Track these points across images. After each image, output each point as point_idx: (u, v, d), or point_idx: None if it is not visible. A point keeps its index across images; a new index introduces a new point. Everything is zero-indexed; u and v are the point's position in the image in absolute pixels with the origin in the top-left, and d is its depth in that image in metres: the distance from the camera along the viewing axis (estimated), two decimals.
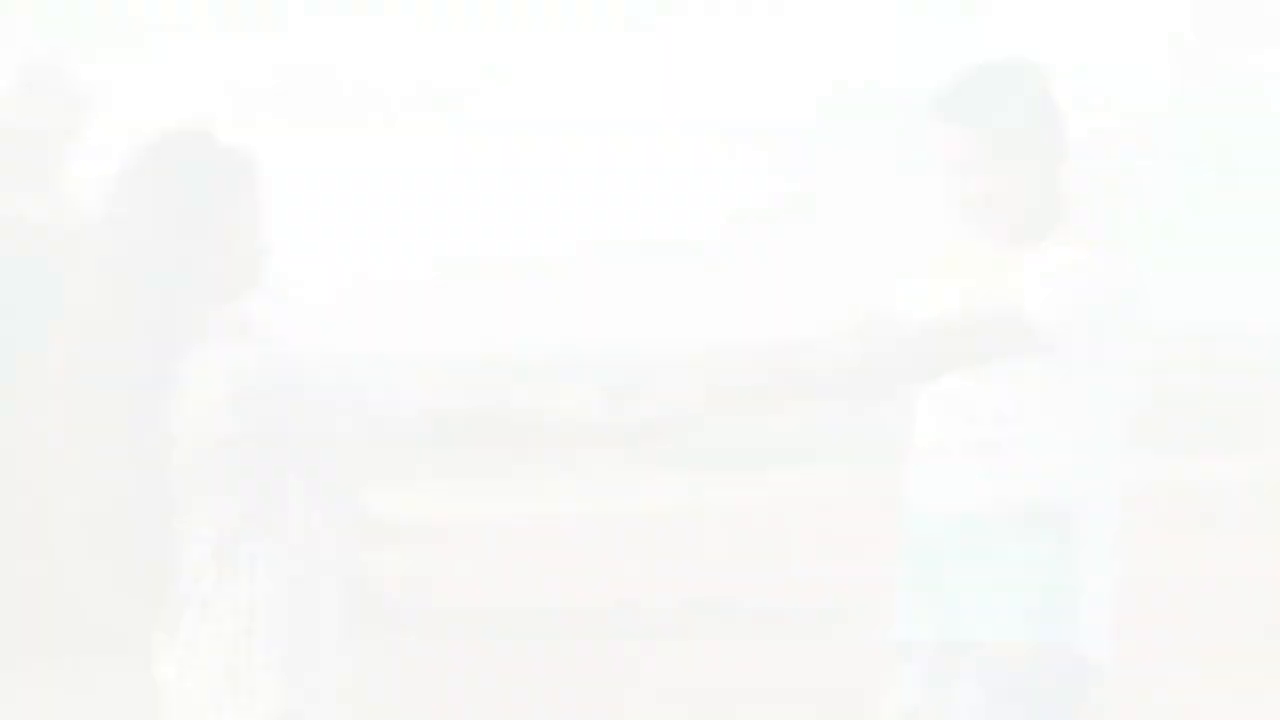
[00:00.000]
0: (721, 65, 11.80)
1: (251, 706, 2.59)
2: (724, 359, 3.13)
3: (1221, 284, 11.26)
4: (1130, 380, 3.09)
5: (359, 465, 2.86)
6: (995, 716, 3.00)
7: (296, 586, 2.62)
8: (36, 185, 12.79)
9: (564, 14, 11.80)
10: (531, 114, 11.58)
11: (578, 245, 11.07)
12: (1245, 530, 8.66)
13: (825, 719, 8.44)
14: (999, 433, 3.01)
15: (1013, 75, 3.10)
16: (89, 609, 2.76)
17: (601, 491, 9.30)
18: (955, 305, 3.11)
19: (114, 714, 9.40)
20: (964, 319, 3.00)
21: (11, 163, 12.56)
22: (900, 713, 3.13)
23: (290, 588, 2.62)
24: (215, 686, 2.58)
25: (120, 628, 2.75)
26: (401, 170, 11.66)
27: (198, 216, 2.60)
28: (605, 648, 7.54)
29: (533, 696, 7.29)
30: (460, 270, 10.77)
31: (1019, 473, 3.00)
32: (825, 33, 11.87)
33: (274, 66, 12.17)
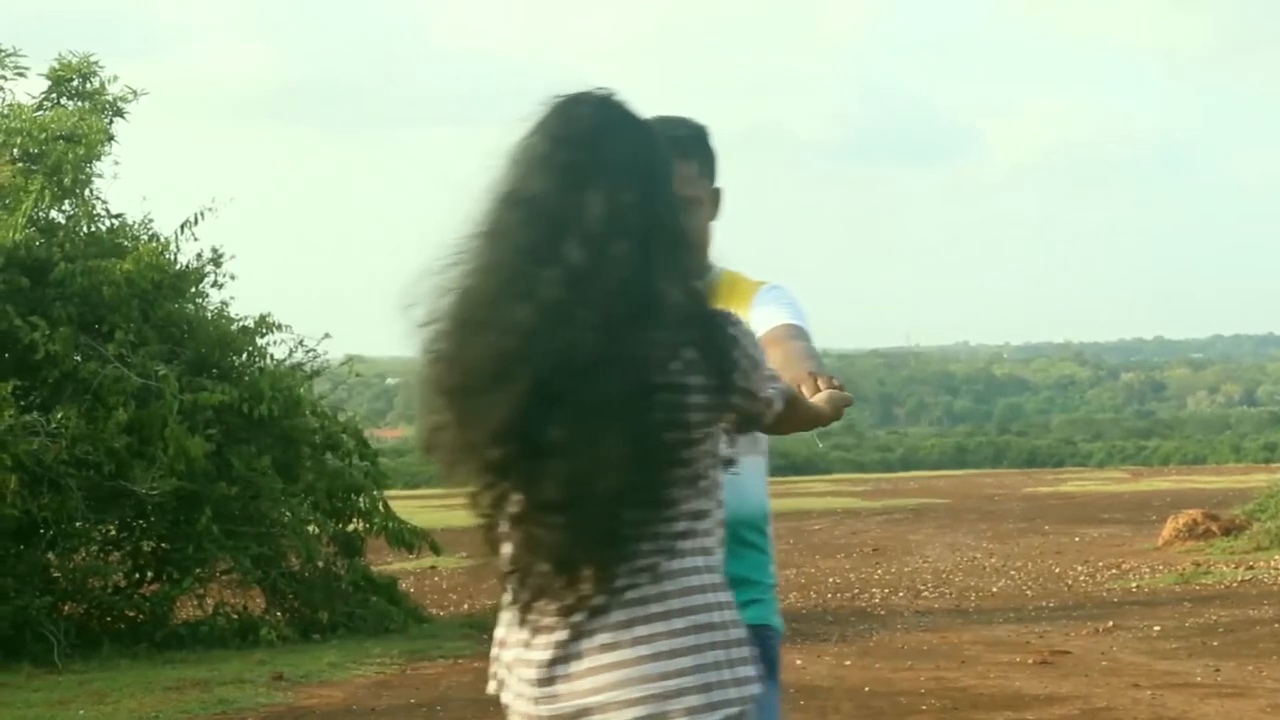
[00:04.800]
0: None
1: (721, 691, 2.39)
2: None
3: None
4: None
5: None
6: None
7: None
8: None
9: None
10: None
11: None
12: None
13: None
14: (748, 456, 3.22)
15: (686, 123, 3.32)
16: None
17: None
18: None
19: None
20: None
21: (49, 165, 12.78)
22: None
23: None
24: (674, 662, 2.38)
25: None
26: None
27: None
28: None
29: None
30: None
31: (753, 489, 3.29)
32: None
33: None
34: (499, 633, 2.52)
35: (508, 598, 2.47)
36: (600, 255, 2.34)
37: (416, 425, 2.51)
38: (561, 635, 2.40)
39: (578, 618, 2.38)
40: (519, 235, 2.37)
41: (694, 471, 2.41)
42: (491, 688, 2.55)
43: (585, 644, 2.38)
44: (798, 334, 3.23)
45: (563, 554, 2.36)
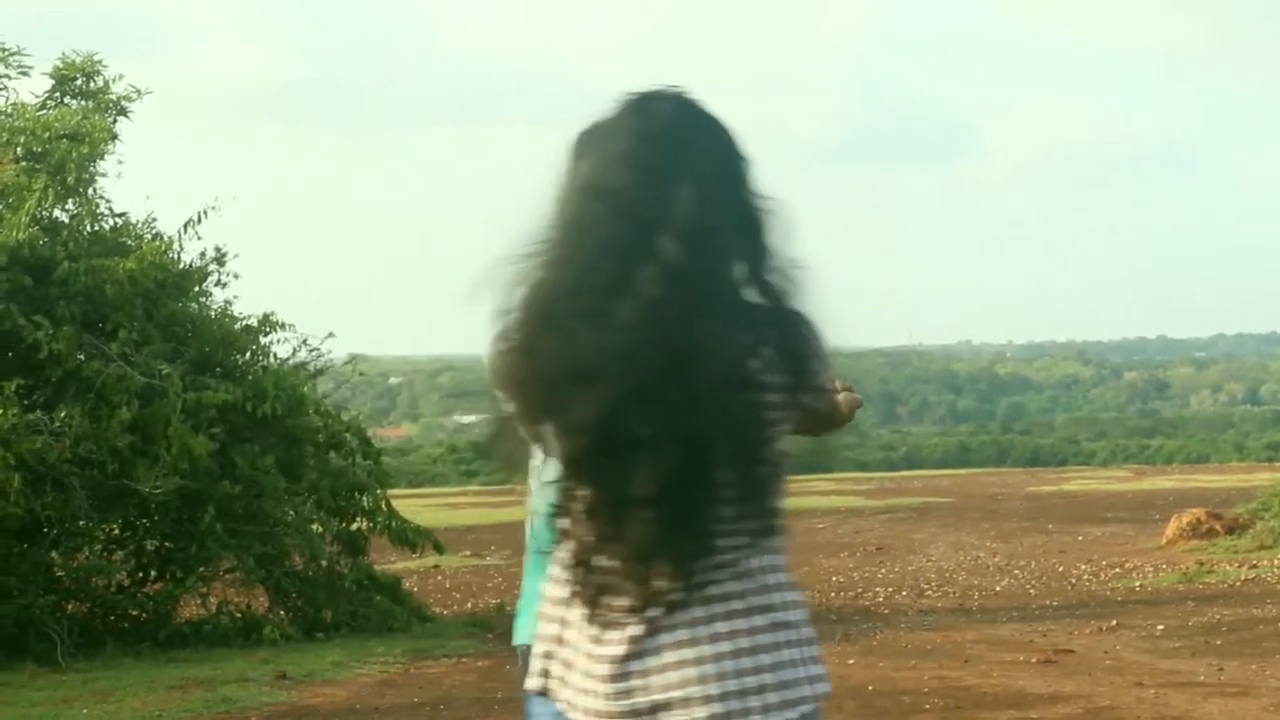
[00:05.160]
0: None
1: (797, 688, 2.39)
2: None
3: None
4: None
5: None
6: None
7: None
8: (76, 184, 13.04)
9: None
10: None
11: None
12: None
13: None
14: None
15: None
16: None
17: None
18: None
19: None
20: None
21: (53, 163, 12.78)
22: None
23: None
24: (754, 659, 2.37)
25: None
26: None
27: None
28: None
29: None
30: None
31: None
32: None
33: None
34: (550, 629, 2.48)
35: (564, 594, 2.45)
36: (695, 253, 2.34)
37: (484, 416, 2.49)
38: (636, 630, 2.37)
39: (654, 613, 2.36)
40: (600, 229, 2.35)
41: (774, 470, 2.41)
42: (533, 684, 2.50)
43: (664, 639, 2.35)
44: None
45: (644, 549, 2.34)
